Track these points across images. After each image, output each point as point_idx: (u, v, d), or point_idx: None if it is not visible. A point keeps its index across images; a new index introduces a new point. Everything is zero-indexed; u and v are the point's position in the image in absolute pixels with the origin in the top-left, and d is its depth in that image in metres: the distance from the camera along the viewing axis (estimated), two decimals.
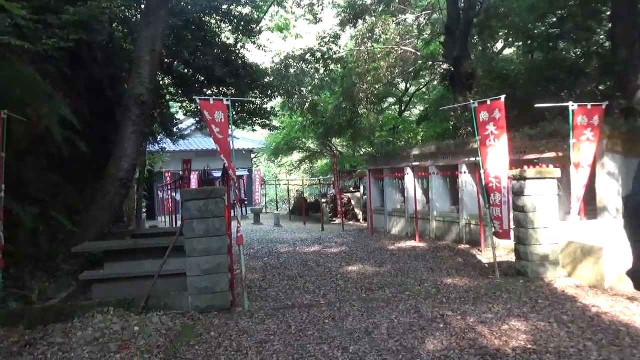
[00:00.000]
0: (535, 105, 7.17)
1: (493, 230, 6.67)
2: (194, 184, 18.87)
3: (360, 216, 18.19)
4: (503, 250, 8.75)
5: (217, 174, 24.11)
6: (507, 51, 18.27)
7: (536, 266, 6.12)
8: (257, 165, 33.50)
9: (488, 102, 6.67)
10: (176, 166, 19.62)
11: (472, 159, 9.87)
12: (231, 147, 5.87)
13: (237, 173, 25.60)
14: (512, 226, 6.51)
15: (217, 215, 5.33)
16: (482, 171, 6.73)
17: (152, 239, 6.84)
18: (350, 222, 17.90)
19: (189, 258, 5.28)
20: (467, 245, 9.80)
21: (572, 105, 6.87)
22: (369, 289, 6.38)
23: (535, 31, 13.31)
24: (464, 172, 10.13)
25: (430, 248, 9.90)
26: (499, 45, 17.55)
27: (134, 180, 13.41)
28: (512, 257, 7.87)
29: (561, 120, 8.34)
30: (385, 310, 5.14)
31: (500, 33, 15.43)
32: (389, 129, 17.19)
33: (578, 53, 13.30)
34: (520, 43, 15.80)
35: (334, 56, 13.84)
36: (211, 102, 5.84)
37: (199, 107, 12.83)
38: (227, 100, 5.87)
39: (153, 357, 4.09)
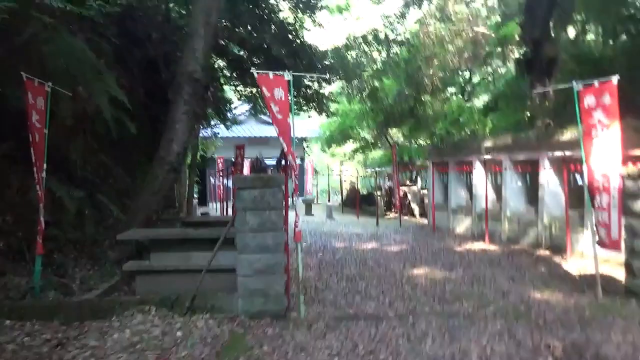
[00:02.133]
0: None
1: (597, 239, 5.56)
2: (246, 171, 18.51)
3: (417, 211, 17.14)
4: (589, 260, 7.56)
5: (270, 162, 23.76)
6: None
7: None
8: (310, 155, 32.94)
9: (595, 84, 5.54)
10: (229, 153, 19.27)
11: (558, 153, 8.67)
12: (291, 129, 5.14)
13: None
14: (623, 235, 5.38)
15: (274, 207, 4.62)
16: (584, 167, 5.62)
17: (203, 229, 6.26)
18: (406, 218, 16.90)
19: (240, 255, 4.60)
20: (548, 252, 8.63)
21: None
22: (442, 299, 5.49)
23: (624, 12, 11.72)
24: (547, 168, 8.90)
25: (503, 252, 8.81)
26: (572, 32, 15.76)
27: (186, 164, 13.09)
28: (607, 270, 6.73)
29: None
30: (472, 332, 4.25)
31: (578, 17, 13.77)
32: (452, 120, 15.94)
33: None
34: (601, 28, 14.06)
35: (397, 38, 12.81)
36: (270, 76, 5.11)
37: (257, 86, 12.13)
38: (288, 75, 5.12)
39: None
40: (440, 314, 4.85)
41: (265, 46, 11.11)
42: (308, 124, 27.67)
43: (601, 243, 5.51)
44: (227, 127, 14.55)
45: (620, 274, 6.39)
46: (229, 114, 14.22)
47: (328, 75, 11.90)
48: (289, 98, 5.15)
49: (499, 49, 15.28)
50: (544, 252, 8.63)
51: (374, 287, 6.20)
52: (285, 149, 5.08)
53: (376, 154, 21.89)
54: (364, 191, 22.92)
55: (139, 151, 9.06)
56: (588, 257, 7.80)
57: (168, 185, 7.21)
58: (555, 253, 8.45)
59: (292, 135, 5.14)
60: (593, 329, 4.31)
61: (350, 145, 25.21)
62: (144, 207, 7.01)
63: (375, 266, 7.70)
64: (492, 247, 9.32)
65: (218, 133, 15.00)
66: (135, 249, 6.45)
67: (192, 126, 7.54)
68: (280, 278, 4.65)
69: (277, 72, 5.15)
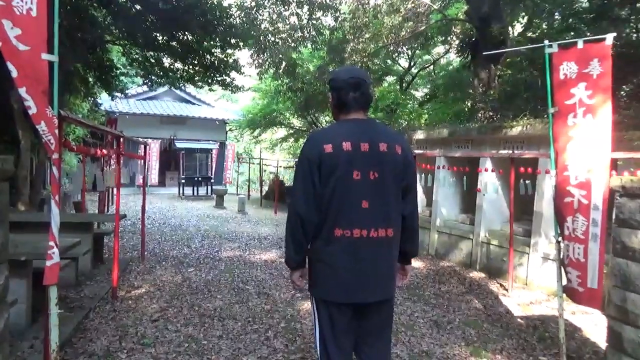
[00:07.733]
0: None
1: (565, 283, 3.62)
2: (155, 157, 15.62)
3: None
4: (536, 292, 5.81)
5: (186, 145, 20.83)
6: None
7: None
8: (239, 140, 30.21)
9: (579, 44, 3.56)
10: (137, 132, 16.24)
11: (504, 151, 6.86)
12: (53, 76, 2.74)
13: (204, 146, 22.09)
14: (606, 285, 3.47)
15: None
16: (553, 171, 3.66)
17: None
18: None
19: None
20: (483, 274, 6.84)
21: None
22: None
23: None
24: (488, 170, 7.04)
25: (429, 272, 6.90)
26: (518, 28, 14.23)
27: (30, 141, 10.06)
28: (551, 307, 4.99)
29: None
30: None
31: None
32: (385, 106, 13.93)
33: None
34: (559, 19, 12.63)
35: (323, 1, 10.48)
36: None
37: (153, 48, 9.38)
38: None
39: None
40: None
41: None
42: (232, 106, 24.98)
43: (571, 292, 3.56)
44: (112, 97, 11.69)
45: (591, 328, 4.61)
46: (115, 81, 11.38)
47: (232, 40, 9.40)
48: (54, 18, 2.74)
49: (441, 35, 13.43)
50: (477, 275, 6.83)
51: (229, 341, 3.97)
52: (34, 111, 2.66)
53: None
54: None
55: None
56: (535, 288, 6.04)
57: None
58: (491, 277, 6.67)
59: (52, 86, 2.75)
60: None
61: (282, 132, 22.93)
62: None
63: (253, 294, 5.49)
64: (419, 264, 7.39)
65: (101, 104, 12.11)
66: None
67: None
68: None
69: None
